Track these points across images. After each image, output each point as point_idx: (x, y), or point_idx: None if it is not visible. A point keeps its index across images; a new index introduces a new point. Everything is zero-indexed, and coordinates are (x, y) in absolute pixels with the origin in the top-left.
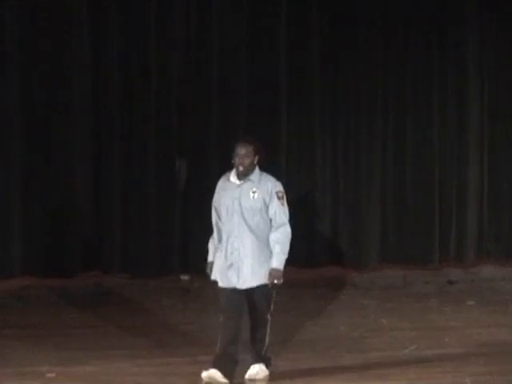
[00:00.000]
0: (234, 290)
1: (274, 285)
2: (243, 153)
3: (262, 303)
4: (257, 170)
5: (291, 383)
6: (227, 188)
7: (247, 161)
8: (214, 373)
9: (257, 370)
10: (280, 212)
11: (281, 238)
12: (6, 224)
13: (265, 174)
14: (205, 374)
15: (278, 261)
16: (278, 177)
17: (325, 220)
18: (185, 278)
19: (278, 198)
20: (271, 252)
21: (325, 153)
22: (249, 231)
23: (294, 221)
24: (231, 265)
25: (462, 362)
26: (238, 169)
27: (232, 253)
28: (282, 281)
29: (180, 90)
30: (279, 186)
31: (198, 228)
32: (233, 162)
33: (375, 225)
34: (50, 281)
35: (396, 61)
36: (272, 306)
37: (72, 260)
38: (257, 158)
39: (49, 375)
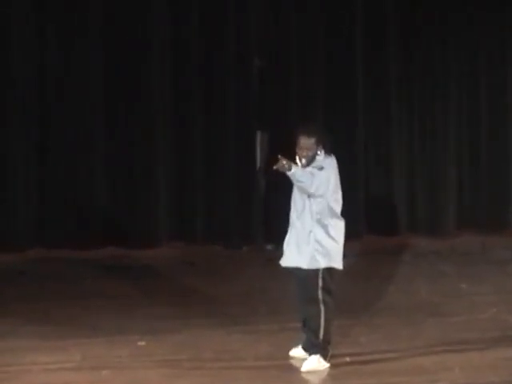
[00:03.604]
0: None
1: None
2: (306, 146)
3: (305, 288)
4: (317, 159)
5: (375, 348)
6: None
7: (310, 153)
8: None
9: (312, 363)
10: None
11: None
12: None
13: (319, 163)
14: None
15: (297, 170)
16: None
17: (402, 188)
18: (269, 247)
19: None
20: (319, 241)
21: (400, 118)
22: (300, 213)
23: (371, 190)
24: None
25: None
26: (300, 160)
27: (291, 230)
28: (282, 168)
29: (259, 64)
30: (323, 163)
31: (280, 198)
32: (296, 152)
33: (452, 191)
34: (136, 251)
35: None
36: (320, 294)
37: (157, 230)
38: (320, 147)
39: (140, 343)
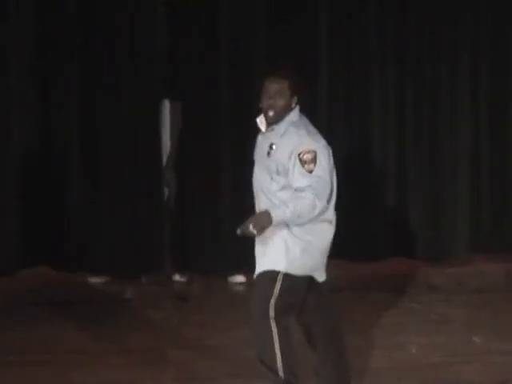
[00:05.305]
0: None
1: (245, 231)
2: (274, 90)
3: (259, 299)
4: (291, 115)
5: None
6: (260, 138)
7: (280, 102)
8: None
9: None
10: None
11: (297, 198)
12: None
13: (299, 123)
14: None
15: (280, 211)
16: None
17: (388, 196)
18: (180, 279)
19: (302, 162)
20: (294, 235)
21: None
22: (266, 201)
23: (344, 199)
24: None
25: None
26: (266, 114)
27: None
28: (255, 231)
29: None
30: (307, 144)
31: (196, 212)
32: (260, 104)
33: (462, 201)
34: None
35: None
36: (272, 310)
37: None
38: (295, 99)
39: None
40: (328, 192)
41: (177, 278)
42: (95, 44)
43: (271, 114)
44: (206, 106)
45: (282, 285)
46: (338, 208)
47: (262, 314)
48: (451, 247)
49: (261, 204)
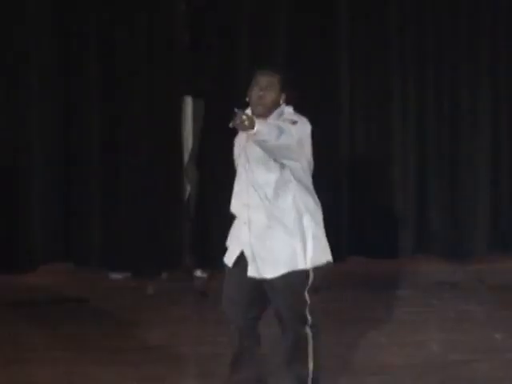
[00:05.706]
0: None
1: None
2: (265, 84)
3: (287, 304)
4: (278, 110)
5: None
6: (240, 134)
7: (270, 96)
8: None
9: None
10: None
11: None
12: None
13: (288, 114)
14: None
15: (263, 126)
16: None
17: (408, 194)
18: (201, 275)
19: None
20: (300, 229)
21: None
22: (261, 195)
23: (365, 197)
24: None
25: None
26: (255, 107)
27: (242, 227)
28: (241, 124)
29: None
30: (293, 117)
31: (216, 206)
32: (247, 98)
33: (482, 199)
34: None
35: None
36: (308, 313)
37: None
38: (283, 97)
39: None
40: (290, 142)
41: (198, 273)
42: (115, 42)
43: (259, 108)
44: (226, 103)
45: (312, 283)
46: (358, 206)
47: (300, 323)
48: (471, 245)
49: (250, 200)
